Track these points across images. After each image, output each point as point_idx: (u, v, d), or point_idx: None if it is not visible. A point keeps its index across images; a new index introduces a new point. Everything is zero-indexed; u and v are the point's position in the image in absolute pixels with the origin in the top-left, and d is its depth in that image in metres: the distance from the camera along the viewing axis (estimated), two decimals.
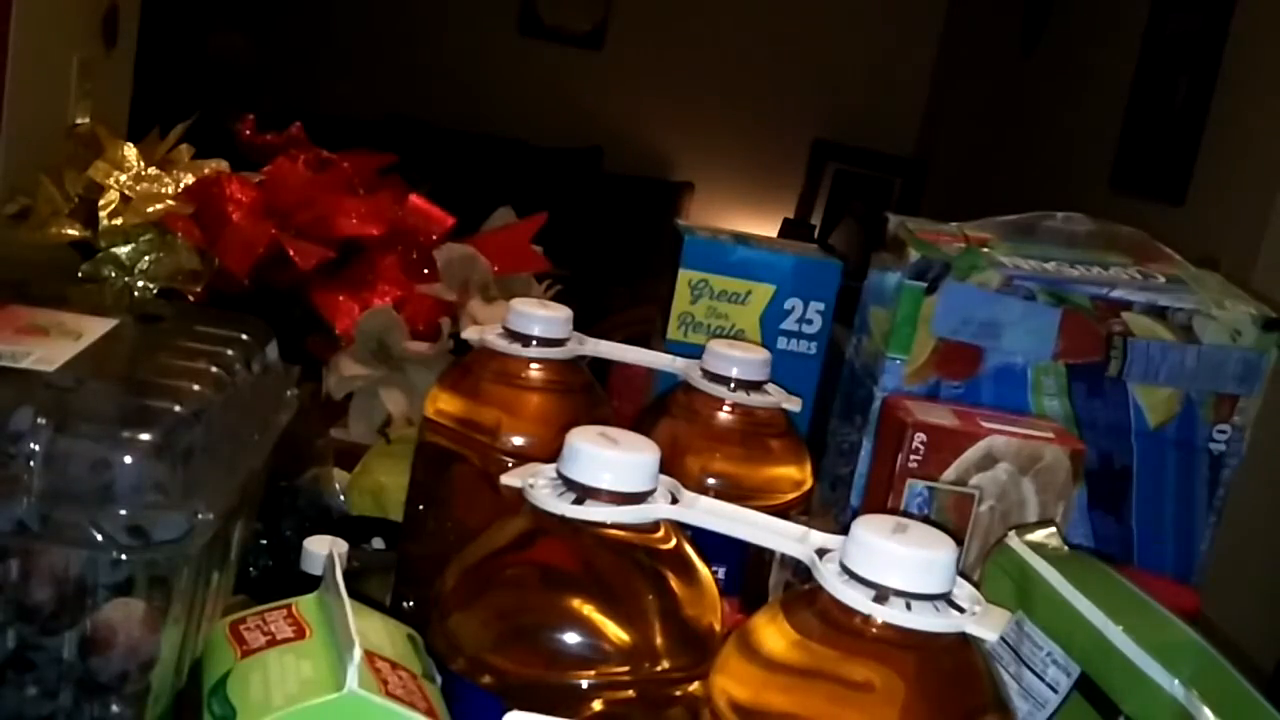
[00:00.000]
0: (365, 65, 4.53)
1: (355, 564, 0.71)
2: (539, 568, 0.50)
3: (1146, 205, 2.64)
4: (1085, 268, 0.80)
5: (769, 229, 4.30)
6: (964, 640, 0.42)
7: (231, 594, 0.61)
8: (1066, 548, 0.61)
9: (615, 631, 0.47)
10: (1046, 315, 0.78)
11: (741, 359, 0.68)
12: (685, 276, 0.86)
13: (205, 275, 1.15)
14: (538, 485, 0.49)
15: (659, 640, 0.48)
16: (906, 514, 0.73)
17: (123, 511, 0.47)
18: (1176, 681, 0.50)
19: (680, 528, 0.51)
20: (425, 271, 1.22)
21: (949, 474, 0.72)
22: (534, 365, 0.67)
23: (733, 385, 0.67)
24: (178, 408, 0.50)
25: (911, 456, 0.72)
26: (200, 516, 0.49)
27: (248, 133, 1.30)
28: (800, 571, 0.50)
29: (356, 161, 1.27)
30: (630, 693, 0.47)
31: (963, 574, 0.43)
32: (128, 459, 0.48)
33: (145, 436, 0.48)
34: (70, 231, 1.16)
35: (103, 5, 1.93)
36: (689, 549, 0.51)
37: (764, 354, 0.69)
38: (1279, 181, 2.23)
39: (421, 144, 4.17)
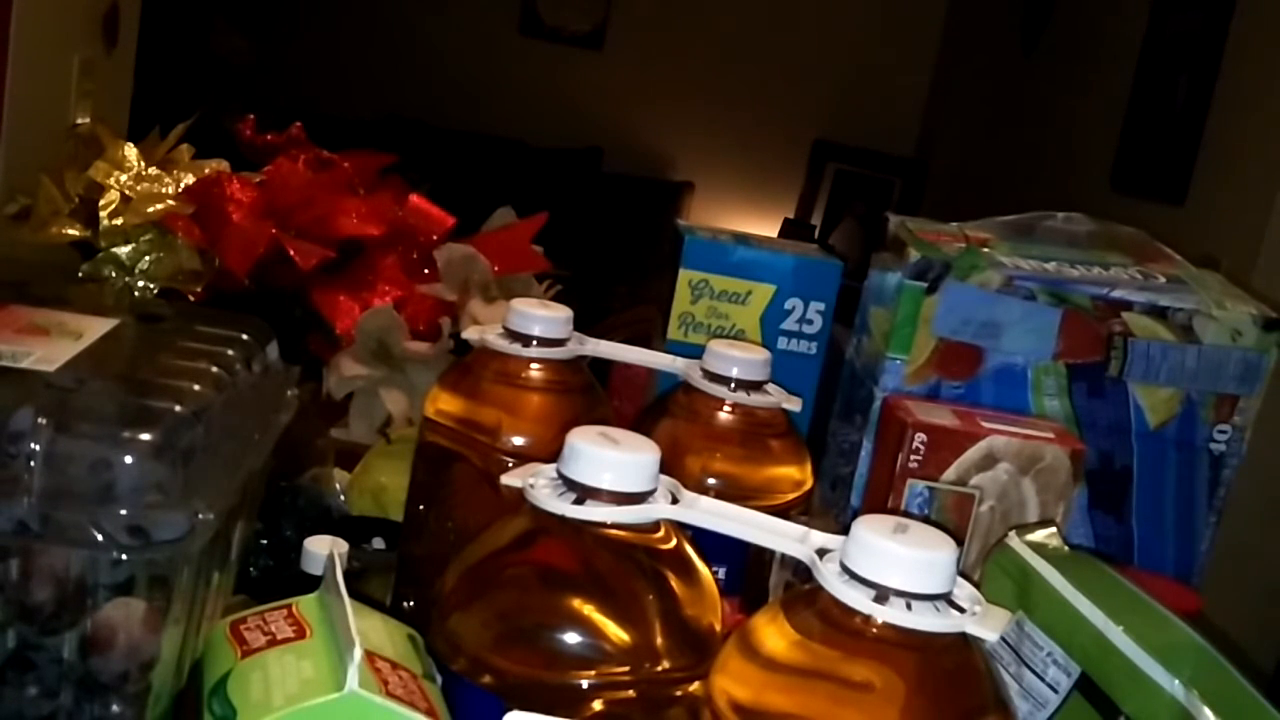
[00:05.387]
0: (365, 65, 4.53)
1: (355, 564, 0.71)
2: (539, 568, 0.50)
3: (1146, 205, 2.64)
4: (1085, 268, 0.80)
5: (769, 229, 4.30)
6: (964, 640, 0.42)
7: (232, 594, 0.61)
8: (1067, 548, 0.61)
9: (615, 631, 0.47)
10: (1047, 315, 0.78)
11: (742, 359, 0.68)
12: (685, 276, 0.86)
13: (205, 275, 1.15)
14: (538, 485, 0.49)
15: (659, 640, 0.48)
16: (907, 514, 0.73)
17: (123, 511, 0.47)
18: (1176, 681, 0.50)
19: (680, 528, 0.51)
20: (425, 271, 1.22)
21: (949, 474, 0.72)
22: (534, 365, 0.67)
23: (733, 385, 0.67)
24: (178, 408, 0.50)
25: (912, 456, 0.72)
26: (200, 516, 0.49)
27: (248, 133, 1.30)
28: (800, 571, 0.50)
29: (356, 161, 1.27)
30: (630, 693, 0.47)
31: (963, 574, 0.43)
32: (128, 459, 0.48)
33: (145, 436, 0.48)
34: (70, 231, 1.16)
35: (103, 5, 1.93)
36: (689, 549, 0.51)
37: (764, 354, 0.69)
38: (1279, 181, 2.23)
39: (421, 144, 4.17)
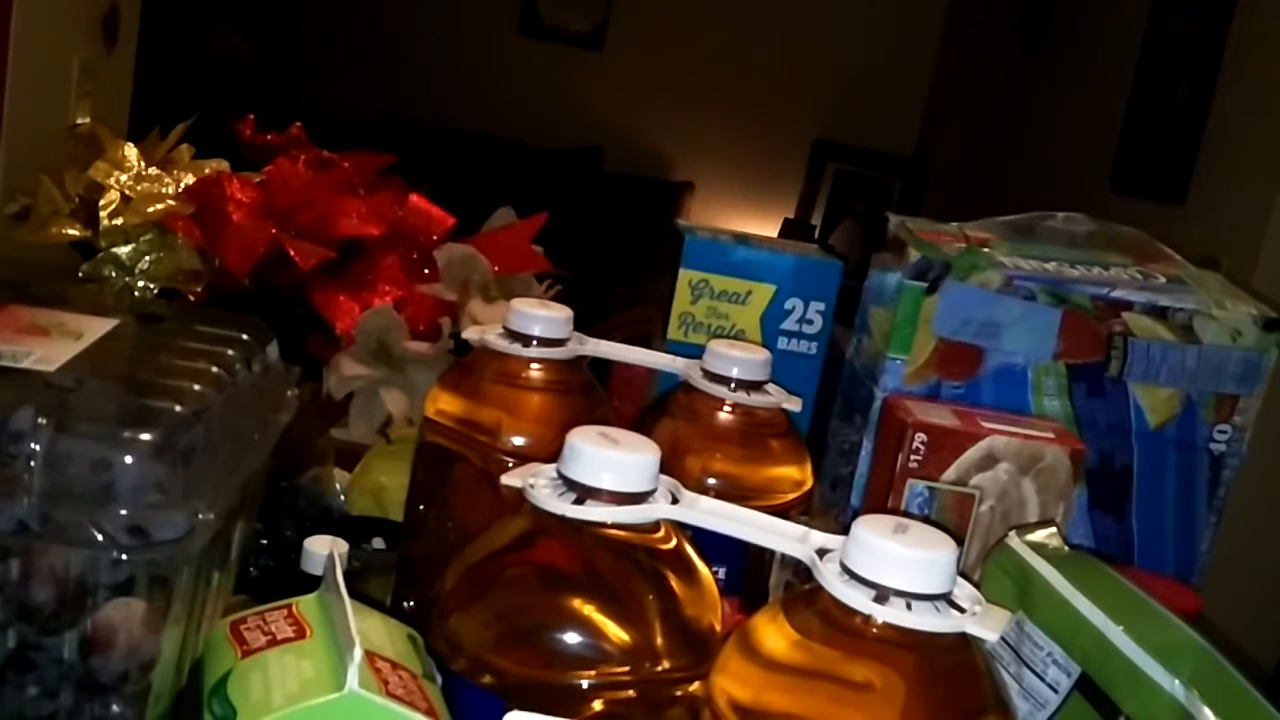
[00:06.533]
0: (365, 65, 4.53)
1: (355, 564, 0.71)
2: (539, 568, 0.50)
3: (1146, 205, 2.64)
4: (1085, 268, 0.80)
5: (769, 229, 4.30)
6: (964, 640, 0.42)
7: (232, 594, 0.61)
8: (1067, 548, 0.61)
9: (615, 631, 0.47)
10: (1047, 315, 0.78)
11: (742, 359, 0.68)
12: (686, 276, 0.86)
13: (205, 275, 1.15)
14: (538, 485, 0.49)
15: (659, 640, 0.48)
16: (907, 514, 0.73)
17: (123, 511, 0.47)
18: (1176, 681, 0.50)
19: (680, 528, 0.51)
20: (425, 271, 1.22)
21: (949, 474, 0.72)
22: (534, 365, 0.67)
23: (733, 385, 0.67)
24: (178, 408, 0.50)
25: (912, 456, 0.72)
26: (201, 516, 0.49)
27: (248, 133, 1.30)
28: (800, 571, 0.50)
29: (356, 161, 1.27)
30: (630, 693, 0.47)
31: (963, 574, 0.43)
32: (128, 459, 0.48)
33: (146, 436, 0.48)
34: (70, 231, 1.16)
35: (103, 5, 1.93)
36: (689, 549, 0.51)
37: (764, 354, 0.69)
38: (1279, 181, 2.23)
39: (421, 144, 4.17)
